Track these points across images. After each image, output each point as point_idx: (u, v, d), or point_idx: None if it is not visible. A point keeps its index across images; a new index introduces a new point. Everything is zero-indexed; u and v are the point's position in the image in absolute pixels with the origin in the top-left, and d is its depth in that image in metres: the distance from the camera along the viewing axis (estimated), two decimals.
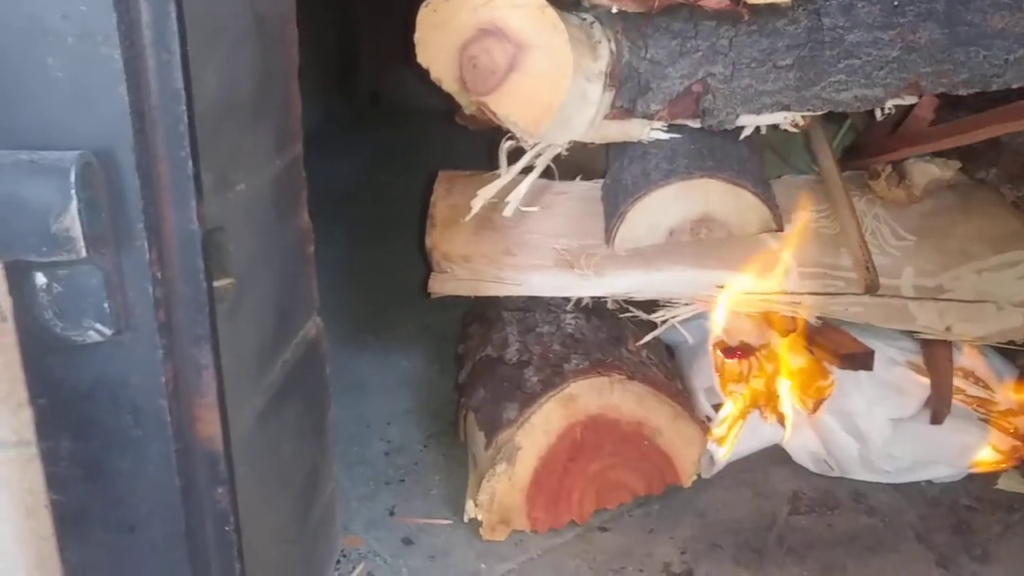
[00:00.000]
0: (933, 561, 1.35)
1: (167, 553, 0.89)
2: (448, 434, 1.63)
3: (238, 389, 0.97)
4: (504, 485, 1.38)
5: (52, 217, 0.72)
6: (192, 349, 0.85)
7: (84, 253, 0.73)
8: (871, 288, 1.39)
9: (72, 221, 0.72)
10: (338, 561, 1.32)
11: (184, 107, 0.78)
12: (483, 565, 1.34)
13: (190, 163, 0.79)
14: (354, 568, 1.32)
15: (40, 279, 0.77)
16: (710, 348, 1.58)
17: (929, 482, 1.53)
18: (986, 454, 1.50)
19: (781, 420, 1.52)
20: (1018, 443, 1.48)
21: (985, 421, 1.51)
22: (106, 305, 0.78)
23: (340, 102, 3.51)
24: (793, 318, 1.51)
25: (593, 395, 1.40)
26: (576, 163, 1.63)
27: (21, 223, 0.72)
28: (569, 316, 1.59)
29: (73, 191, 0.71)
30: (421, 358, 1.91)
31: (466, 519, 1.40)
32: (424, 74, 1.36)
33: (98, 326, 0.79)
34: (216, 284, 0.90)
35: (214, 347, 0.86)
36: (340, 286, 2.16)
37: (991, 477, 1.52)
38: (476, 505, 1.38)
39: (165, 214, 0.80)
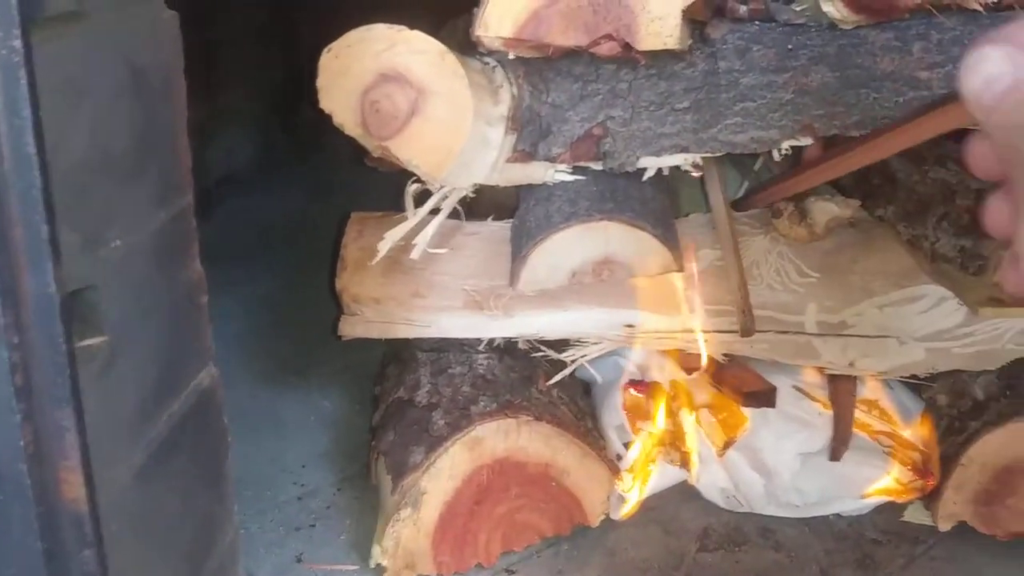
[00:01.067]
0: None
1: None
2: (363, 476, 1.63)
3: (112, 447, 0.97)
4: (409, 530, 1.38)
5: None
6: (54, 412, 0.85)
7: None
8: (746, 332, 1.42)
9: None
10: None
11: (37, 172, 0.78)
12: None
13: (45, 227, 0.79)
14: None
15: None
16: (620, 386, 1.60)
17: (837, 515, 1.55)
18: (888, 487, 1.53)
19: (685, 460, 1.54)
20: (916, 477, 1.51)
21: (889, 454, 1.54)
22: None
23: (283, 137, 3.51)
24: (700, 356, 1.54)
25: (500, 437, 1.42)
26: (495, 202, 1.65)
27: None
28: (482, 356, 1.60)
29: None
30: (341, 398, 1.92)
31: (372, 565, 1.40)
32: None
33: None
34: (85, 344, 0.90)
35: (76, 409, 0.85)
36: (264, 325, 2.17)
37: (898, 509, 1.55)
38: (382, 551, 1.38)
39: (21, 279, 0.80)
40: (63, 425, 0.86)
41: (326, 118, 1.41)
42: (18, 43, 0.76)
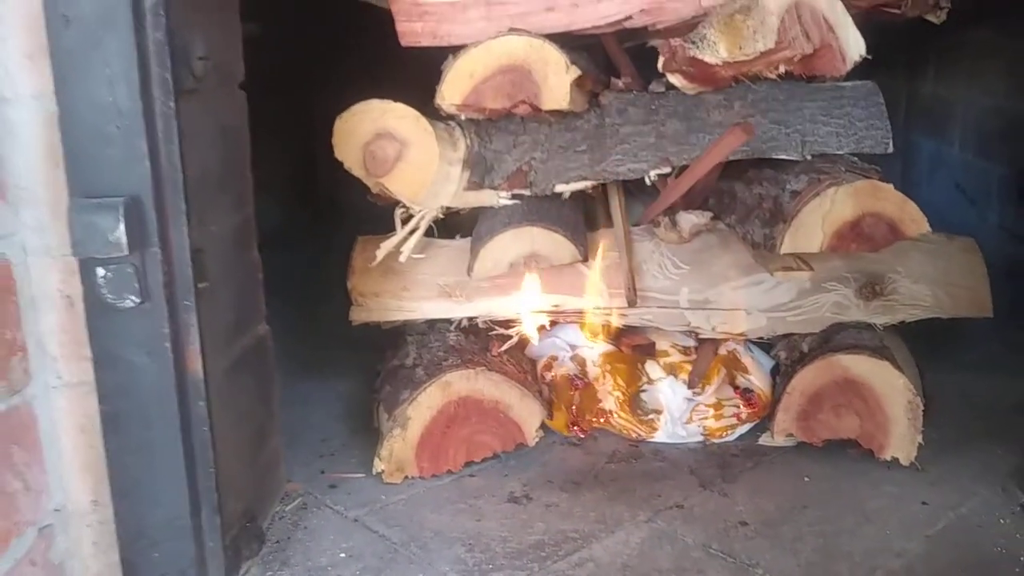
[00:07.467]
0: (697, 484, 1.91)
1: (170, 441, 1.43)
2: (370, 429, 2.17)
3: (211, 350, 1.53)
4: (400, 444, 1.93)
5: (109, 233, 1.31)
6: (184, 316, 1.42)
7: (126, 252, 1.32)
8: (630, 303, 2.00)
9: (121, 235, 1.30)
10: (282, 498, 1.87)
11: (181, 175, 1.37)
12: (383, 496, 1.89)
13: (183, 205, 1.38)
14: (294, 501, 1.86)
15: (100, 271, 1.35)
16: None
17: (711, 442, 2.11)
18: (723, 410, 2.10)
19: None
20: (745, 403, 2.07)
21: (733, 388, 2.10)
22: (136, 285, 1.35)
23: (300, 208, 4.07)
24: (606, 325, 2.11)
25: (464, 382, 1.97)
26: (468, 225, 2.23)
27: (93, 237, 1.31)
28: (452, 334, 2.17)
29: (122, 218, 1.31)
30: (353, 383, 2.45)
31: (374, 472, 1.95)
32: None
33: (132, 298, 1.35)
34: (199, 285, 1.48)
35: (198, 316, 1.43)
36: (289, 341, 2.71)
37: (756, 437, 2.10)
38: (380, 460, 1.93)
39: (170, 235, 1.38)
40: (190, 323, 1.43)
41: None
42: (172, 104, 1.36)
